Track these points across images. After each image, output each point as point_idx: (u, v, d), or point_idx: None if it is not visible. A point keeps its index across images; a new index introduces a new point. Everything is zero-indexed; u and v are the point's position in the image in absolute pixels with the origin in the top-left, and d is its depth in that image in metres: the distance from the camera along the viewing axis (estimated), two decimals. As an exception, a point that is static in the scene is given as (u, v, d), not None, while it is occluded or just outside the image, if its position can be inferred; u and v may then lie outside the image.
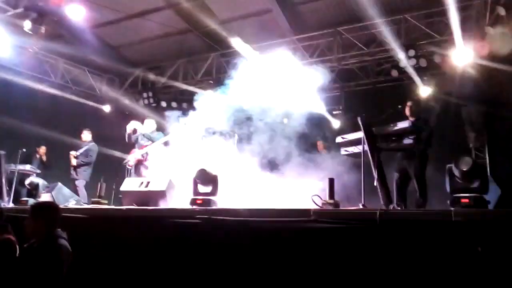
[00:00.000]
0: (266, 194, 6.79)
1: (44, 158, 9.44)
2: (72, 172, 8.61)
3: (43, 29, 8.42)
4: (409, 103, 5.91)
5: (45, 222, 3.31)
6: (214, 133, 8.09)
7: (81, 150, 8.58)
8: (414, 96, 8.03)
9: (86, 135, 8.88)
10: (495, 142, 7.71)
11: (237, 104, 8.82)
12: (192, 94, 10.90)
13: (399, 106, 6.00)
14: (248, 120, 8.16)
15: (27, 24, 8.29)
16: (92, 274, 4.64)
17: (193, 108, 8.23)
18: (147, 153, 7.80)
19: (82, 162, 8.58)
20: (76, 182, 8.50)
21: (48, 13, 8.46)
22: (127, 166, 7.94)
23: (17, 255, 3.50)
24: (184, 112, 8.46)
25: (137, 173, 7.72)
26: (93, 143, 8.80)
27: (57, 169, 9.63)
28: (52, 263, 3.14)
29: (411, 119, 5.83)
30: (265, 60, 8.55)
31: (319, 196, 5.53)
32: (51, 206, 3.60)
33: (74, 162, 8.52)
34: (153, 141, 7.80)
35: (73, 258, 3.29)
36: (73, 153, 8.51)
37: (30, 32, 8.41)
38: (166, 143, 7.79)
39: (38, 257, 3.14)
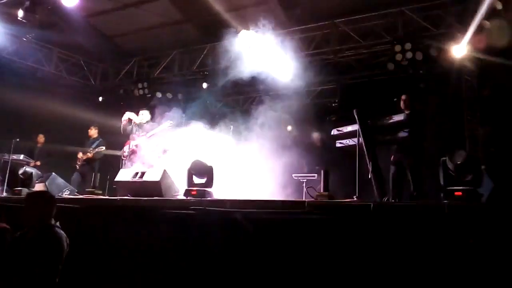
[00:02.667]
0: (260, 186, 6.81)
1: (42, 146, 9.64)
2: (84, 165, 8.88)
3: (36, 18, 8.33)
4: (403, 97, 5.91)
5: (41, 211, 3.33)
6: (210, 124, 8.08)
7: (93, 146, 8.95)
8: (400, 91, 7.99)
9: (94, 131, 9.30)
10: (489, 134, 7.74)
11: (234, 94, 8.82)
12: (188, 85, 10.89)
13: (395, 99, 6.01)
14: (243, 111, 8.16)
15: (20, 13, 8.20)
16: (85, 264, 4.63)
17: (188, 99, 8.22)
18: (141, 144, 7.77)
19: (97, 157, 8.95)
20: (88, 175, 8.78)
21: (42, 1, 8.37)
22: (121, 157, 7.93)
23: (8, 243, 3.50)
24: (179, 103, 8.45)
25: (132, 163, 7.70)
26: (102, 139, 9.15)
27: (51, 158, 9.62)
28: (53, 251, 3.16)
29: (406, 112, 5.83)
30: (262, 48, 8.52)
31: (313, 188, 5.56)
32: (47, 196, 3.61)
33: (90, 154, 8.87)
34: (147, 132, 7.78)
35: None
36: (89, 154, 8.89)
37: (23, 21, 8.32)
38: (160, 134, 7.76)
39: (37, 246, 3.15)
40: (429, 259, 3.34)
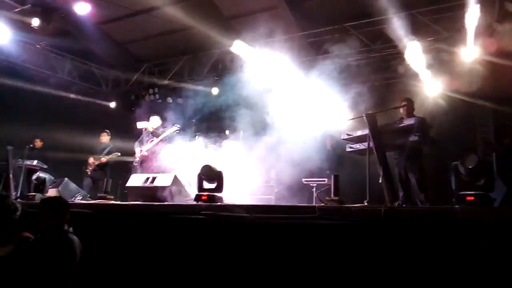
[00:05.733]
0: (269, 190, 6.80)
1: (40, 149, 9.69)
2: (96, 171, 8.92)
3: (50, 26, 8.46)
4: (403, 103, 5.88)
5: (55, 217, 3.37)
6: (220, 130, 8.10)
7: (105, 151, 8.99)
8: (410, 94, 7.93)
9: (105, 137, 9.33)
10: (502, 139, 7.64)
11: (243, 101, 8.84)
12: (197, 90, 10.95)
13: (404, 103, 5.98)
14: (254, 117, 8.16)
15: (34, 21, 8.34)
16: (96, 269, 4.67)
17: (198, 104, 8.25)
18: (152, 149, 7.83)
19: (110, 162, 8.99)
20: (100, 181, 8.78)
21: (55, 9, 8.51)
22: (133, 162, 7.99)
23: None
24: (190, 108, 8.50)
25: (143, 169, 7.75)
26: (113, 145, 9.19)
27: (63, 164, 9.71)
28: (66, 257, 3.20)
29: (410, 116, 5.79)
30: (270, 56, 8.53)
31: (323, 192, 5.54)
32: (61, 201, 3.65)
33: (104, 159, 8.89)
34: (157, 137, 7.84)
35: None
36: (102, 159, 8.90)
37: (37, 29, 8.46)
38: (169, 140, 7.80)
39: (51, 251, 3.19)
40: (442, 264, 3.31)
